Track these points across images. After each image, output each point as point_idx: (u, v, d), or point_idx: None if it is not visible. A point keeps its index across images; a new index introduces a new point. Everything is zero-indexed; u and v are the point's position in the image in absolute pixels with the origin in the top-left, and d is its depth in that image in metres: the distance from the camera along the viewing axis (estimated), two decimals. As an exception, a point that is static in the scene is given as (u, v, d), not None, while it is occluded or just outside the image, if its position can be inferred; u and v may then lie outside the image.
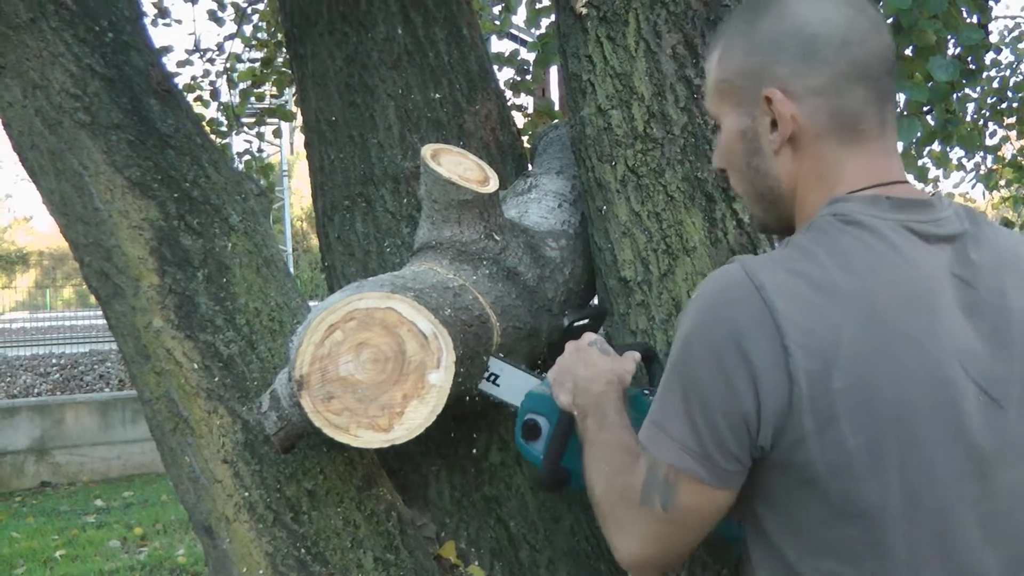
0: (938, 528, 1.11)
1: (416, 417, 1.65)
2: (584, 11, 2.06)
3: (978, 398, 1.12)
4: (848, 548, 1.12)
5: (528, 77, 5.32)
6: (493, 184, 2.00)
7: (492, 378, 1.91)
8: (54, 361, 13.33)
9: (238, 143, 9.13)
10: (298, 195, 27.51)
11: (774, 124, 1.24)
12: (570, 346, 1.56)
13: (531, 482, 2.32)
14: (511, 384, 1.89)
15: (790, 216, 1.28)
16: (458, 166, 1.99)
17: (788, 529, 1.17)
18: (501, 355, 1.94)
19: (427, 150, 1.97)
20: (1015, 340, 1.15)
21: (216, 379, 2.06)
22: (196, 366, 2.06)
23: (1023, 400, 1.14)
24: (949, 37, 3.99)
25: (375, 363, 1.64)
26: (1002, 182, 9.02)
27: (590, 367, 1.50)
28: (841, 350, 1.07)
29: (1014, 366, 1.14)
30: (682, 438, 1.16)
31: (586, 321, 2.02)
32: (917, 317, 1.10)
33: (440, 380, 1.66)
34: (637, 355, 1.58)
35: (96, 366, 12.87)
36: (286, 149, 21.72)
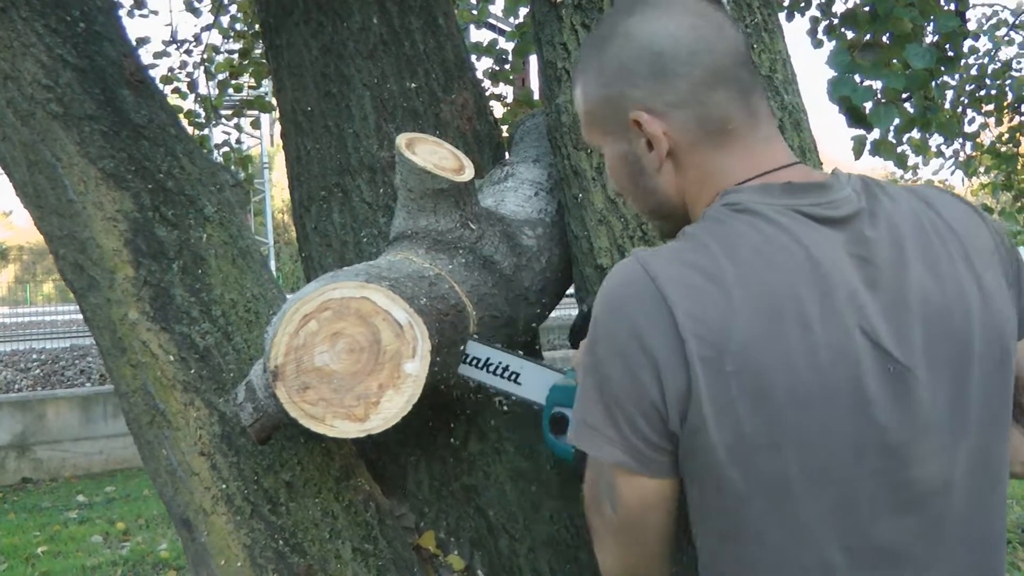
0: (841, 501, 1.13)
1: (392, 407, 1.64)
2: (559, 0, 2.05)
3: (887, 368, 1.13)
4: (755, 528, 1.15)
5: (507, 67, 5.31)
6: (468, 173, 1.99)
7: (513, 377, 1.90)
8: (34, 356, 13.25)
9: (217, 135, 9.06)
10: (279, 187, 27.38)
11: (649, 144, 1.26)
12: None
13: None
14: (533, 381, 1.88)
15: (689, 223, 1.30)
16: (433, 155, 1.98)
17: (703, 513, 1.20)
18: (520, 352, 1.93)
19: (402, 139, 1.96)
20: (913, 308, 1.16)
21: (192, 371, 2.04)
22: (172, 358, 2.05)
23: (930, 366, 1.15)
24: (926, 25, 4.00)
25: (350, 353, 1.63)
26: (981, 169, 9.07)
27: None
28: (733, 335, 1.09)
29: (915, 334, 1.15)
30: (604, 431, 1.18)
31: None
32: (810, 298, 1.12)
33: (416, 370, 1.65)
34: None
35: (77, 361, 12.81)
36: (266, 141, 21.65)
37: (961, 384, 1.17)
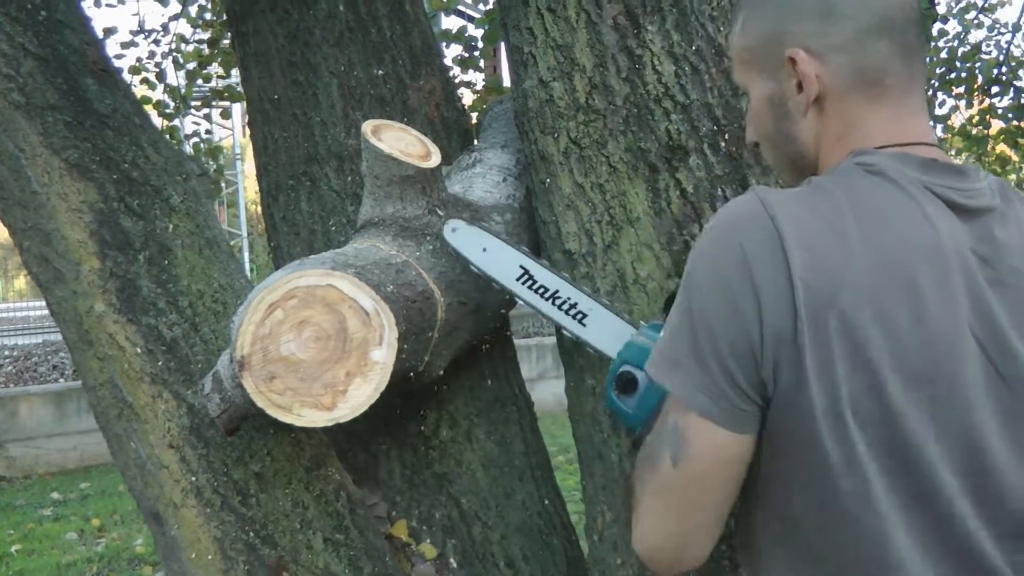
0: (926, 491, 1.08)
1: (359, 395, 1.63)
2: (525, -17, 2.04)
3: (987, 370, 1.09)
4: (850, 507, 1.08)
5: (476, 54, 5.29)
6: (435, 159, 1.98)
7: (579, 317, 1.80)
8: (7, 353, 13.15)
9: (187, 125, 9.02)
10: (252, 178, 27.25)
11: (800, 87, 1.22)
12: None
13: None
14: (603, 328, 1.78)
15: None
16: (399, 141, 1.97)
17: (785, 483, 1.13)
18: (587, 289, 1.83)
19: (367, 126, 1.94)
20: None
21: (160, 363, 2.03)
22: (139, 350, 2.03)
23: (1021, 381, 1.11)
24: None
25: (317, 341, 1.62)
26: (952, 151, 9.12)
27: None
28: (843, 290, 1.04)
29: (1017, 348, 1.11)
30: (693, 372, 1.11)
31: None
32: (927, 280, 1.07)
33: (383, 357, 1.64)
34: None
35: (50, 357, 12.72)
36: (239, 132, 21.50)
37: None
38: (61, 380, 11.33)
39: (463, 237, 1.95)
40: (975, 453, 1.09)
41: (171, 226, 2.13)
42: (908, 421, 1.06)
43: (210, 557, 1.96)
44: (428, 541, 2.25)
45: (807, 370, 1.05)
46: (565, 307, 1.81)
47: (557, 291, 1.82)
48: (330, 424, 1.63)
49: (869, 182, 1.12)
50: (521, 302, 1.88)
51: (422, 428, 2.30)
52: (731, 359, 1.08)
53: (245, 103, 2.72)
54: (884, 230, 1.08)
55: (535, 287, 1.83)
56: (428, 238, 1.99)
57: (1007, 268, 1.12)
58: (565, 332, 1.84)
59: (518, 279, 1.86)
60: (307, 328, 1.62)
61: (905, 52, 1.20)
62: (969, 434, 1.08)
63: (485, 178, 2.26)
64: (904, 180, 1.12)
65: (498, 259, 1.90)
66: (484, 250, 1.92)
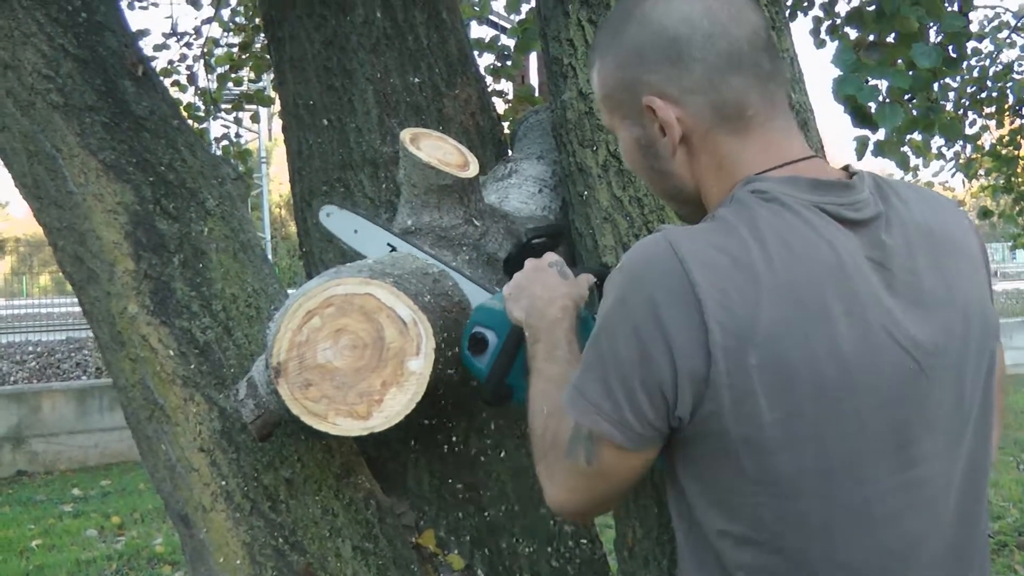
0: (855, 500, 1.13)
1: (395, 405, 1.63)
2: (566, -6, 2.03)
3: (906, 367, 1.14)
4: (760, 515, 1.14)
5: (508, 63, 5.29)
6: (473, 169, 1.97)
7: None
8: (31, 349, 13.23)
9: (216, 128, 9.05)
10: (276, 182, 27.37)
11: (663, 129, 1.25)
12: (529, 263, 1.57)
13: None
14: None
15: (706, 210, 1.29)
16: (438, 150, 1.96)
17: (705, 494, 1.19)
18: (452, 263, 1.92)
19: (406, 134, 1.94)
20: (925, 313, 1.17)
21: (192, 366, 2.03)
22: (172, 353, 2.03)
23: (940, 370, 1.16)
24: (930, 25, 3.99)
25: (353, 350, 1.62)
26: (981, 171, 9.06)
27: (548, 289, 1.50)
28: (758, 328, 1.08)
29: (928, 338, 1.16)
30: (599, 403, 1.16)
31: (544, 239, 2.00)
32: (835, 294, 1.11)
33: (420, 367, 1.64)
34: (592, 278, 1.57)
35: (73, 354, 12.78)
36: (264, 135, 21.59)
37: (960, 387, 1.19)
38: (84, 377, 11.41)
39: (336, 220, 2.10)
40: (907, 447, 1.14)
41: (206, 229, 2.13)
42: (835, 438, 1.11)
43: (238, 562, 1.95)
44: (456, 552, 2.24)
45: (724, 405, 1.09)
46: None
47: (429, 265, 1.92)
48: (364, 433, 1.62)
49: (767, 210, 1.15)
50: None
51: (452, 438, 2.29)
52: (641, 395, 1.13)
53: (280, 108, 2.72)
54: (789, 258, 1.11)
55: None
56: (464, 248, 1.99)
57: (898, 268, 1.17)
58: None
59: None
60: (344, 336, 1.62)
61: (760, 81, 1.23)
62: (901, 432, 1.14)
63: (521, 189, 2.25)
64: (797, 204, 1.16)
65: (369, 238, 2.02)
66: (355, 231, 2.06)
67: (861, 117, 3.43)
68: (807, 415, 1.10)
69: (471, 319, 1.70)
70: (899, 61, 3.61)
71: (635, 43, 1.26)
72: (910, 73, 3.59)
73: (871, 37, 3.62)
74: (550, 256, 1.59)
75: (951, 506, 1.19)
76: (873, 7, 3.56)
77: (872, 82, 3.37)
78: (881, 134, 4.12)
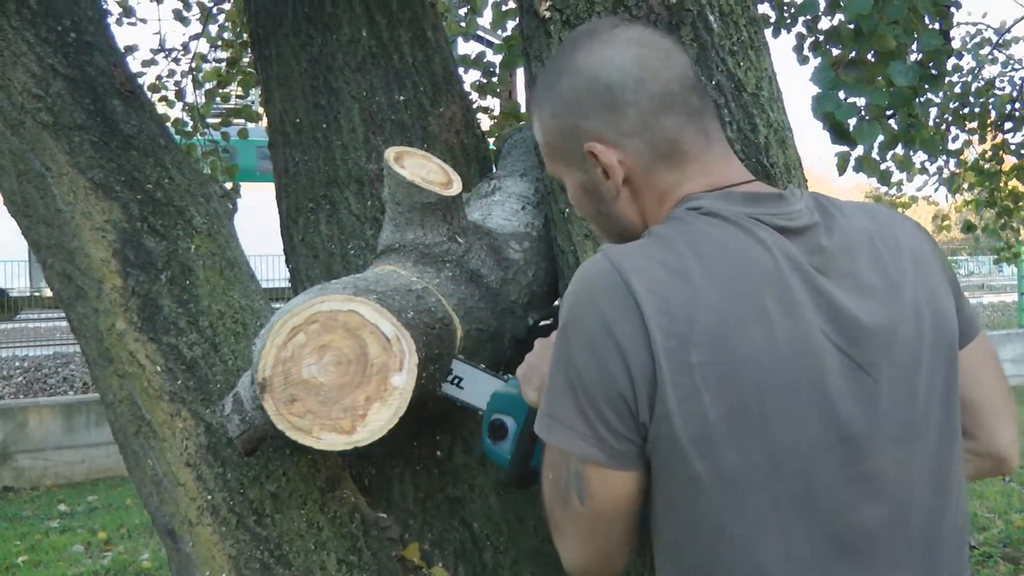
0: (803, 494, 1.17)
1: (379, 419, 1.65)
2: (547, 14, 2.07)
3: (844, 365, 1.18)
4: (717, 521, 1.17)
5: (494, 79, 5.32)
6: (456, 187, 2.01)
7: (456, 381, 1.92)
8: (17, 364, 13.17)
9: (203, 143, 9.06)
10: (265, 197, 27.30)
11: (606, 173, 1.31)
12: (539, 343, 1.59)
13: (499, 485, 2.32)
14: (475, 387, 1.91)
15: None
16: (421, 169, 1.99)
17: (667, 505, 1.21)
18: (462, 357, 1.95)
19: (391, 153, 1.97)
20: (866, 316, 1.21)
21: (179, 382, 2.05)
22: (159, 368, 2.06)
23: (885, 369, 1.20)
24: (910, 43, 4.03)
25: (338, 365, 1.64)
26: (965, 185, 9.11)
27: None
28: (696, 328, 1.13)
29: (870, 339, 1.20)
30: (573, 424, 1.20)
31: (552, 320, 2.03)
32: (771, 294, 1.16)
33: (403, 383, 1.66)
34: None
35: (60, 369, 12.73)
36: (253, 150, 21.52)
37: (913, 389, 1.22)
38: (71, 392, 11.36)
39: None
40: (853, 440, 1.18)
41: (193, 246, 2.16)
42: (780, 431, 1.15)
43: (224, 575, 1.98)
44: (440, 564, 2.26)
45: (670, 405, 1.13)
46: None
47: None
48: (349, 448, 1.65)
49: (703, 222, 1.22)
50: None
51: (436, 452, 2.31)
52: (608, 410, 1.17)
53: (266, 125, 2.75)
54: (725, 264, 1.17)
55: None
56: (447, 265, 2.01)
57: (837, 271, 1.22)
58: (447, 396, 1.94)
59: None
60: (328, 352, 1.64)
61: (692, 116, 1.30)
62: (844, 427, 1.17)
63: (504, 206, 2.28)
64: (732, 215, 1.21)
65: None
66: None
67: (840, 134, 3.48)
68: (751, 410, 1.14)
69: (488, 407, 1.72)
70: (878, 78, 3.65)
71: (572, 93, 1.32)
72: (889, 90, 3.64)
73: (851, 55, 3.66)
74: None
75: (916, 504, 1.22)
76: (852, 25, 3.60)
77: (851, 100, 3.41)
78: (861, 150, 4.16)
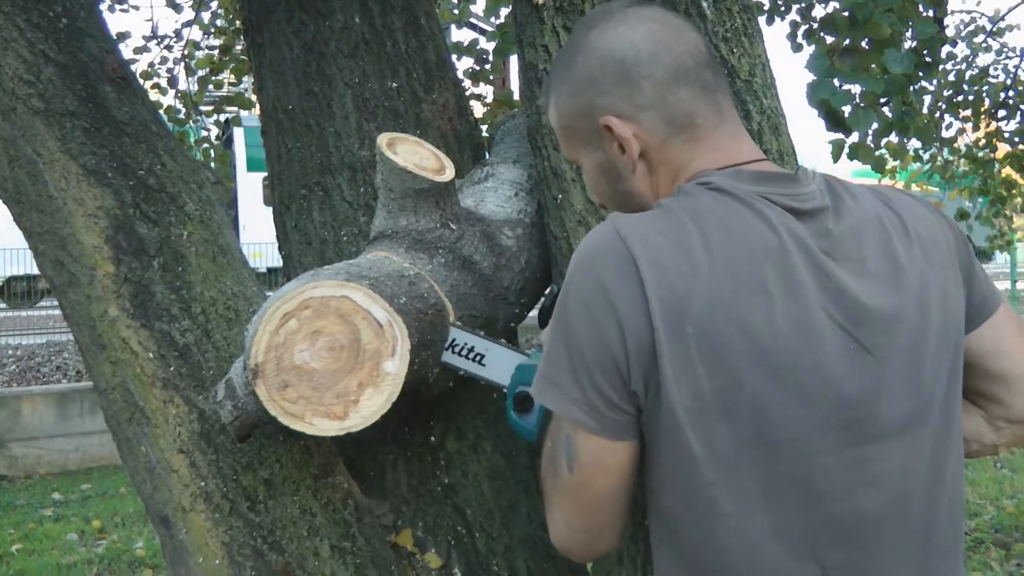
0: (798, 473, 1.18)
1: (371, 405, 1.65)
2: (541, 1, 2.06)
3: (847, 346, 1.19)
4: (710, 496, 1.18)
5: (487, 67, 5.31)
6: (449, 173, 2.00)
7: (477, 358, 1.93)
8: (10, 352, 13.16)
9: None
10: (258, 185, 27.21)
11: (621, 148, 1.33)
12: None
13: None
14: (498, 363, 1.91)
15: None
16: (414, 155, 1.99)
17: (663, 480, 1.23)
18: (483, 333, 1.95)
19: (383, 139, 1.97)
20: (871, 300, 1.22)
21: (172, 368, 2.05)
22: (152, 355, 2.05)
23: (889, 353, 1.21)
24: (904, 31, 4.04)
25: (330, 351, 1.64)
26: (960, 171, 9.13)
27: None
28: (694, 299, 1.14)
29: (874, 322, 1.21)
30: (567, 388, 1.21)
31: None
32: (774, 273, 1.17)
33: (395, 368, 1.66)
34: None
35: (53, 357, 12.72)
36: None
37: (919, 372, 1.23)
38: (64, 381, 11.36)
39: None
40: (856, 424, 1.19)
41: (185, 233, 2.16)
42: (775, 409, 1.16)
43: (217, 562, 1.98)
44: (433, 551, 2.27)
45: (667, 374, 1.15)
46: (464, 352, 1.94)
47: (454, 339, 1.94)
48: (341, 433, 1.65)
49: (710, 197, 1.23)
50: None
51: (430, 439, 2.31)
52: (600, 375, 1.18)
53: (259, 112, 2.74)
54: (728, 240, 1.19)
55: None
56: (440, 251, 2.01)
57: (844, 255, 1.23)
58: (469, 374, 1.95)
59: None
60: (321, 338, 1.64)
61: (706, 91, 1.32)
62: (845, 409, 1.18)
63: (497, 192, 2.28)
64: (741, 193, 1.23)
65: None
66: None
67: (834, 121, 3.49)
68: (746, 385, 1.15)
69: (512, 381, 1.74)
70: (873, 66, 3.65)
71: (586, 71, 1.34)
72: (884, 78, 3.64)
73: (846, 42, 3.66)
74: None
75: (916, 491, 1.23)
76: (847, 13, 3.60)
77: (845, 87, 3.41)
78: (855, 137, 4.17)
